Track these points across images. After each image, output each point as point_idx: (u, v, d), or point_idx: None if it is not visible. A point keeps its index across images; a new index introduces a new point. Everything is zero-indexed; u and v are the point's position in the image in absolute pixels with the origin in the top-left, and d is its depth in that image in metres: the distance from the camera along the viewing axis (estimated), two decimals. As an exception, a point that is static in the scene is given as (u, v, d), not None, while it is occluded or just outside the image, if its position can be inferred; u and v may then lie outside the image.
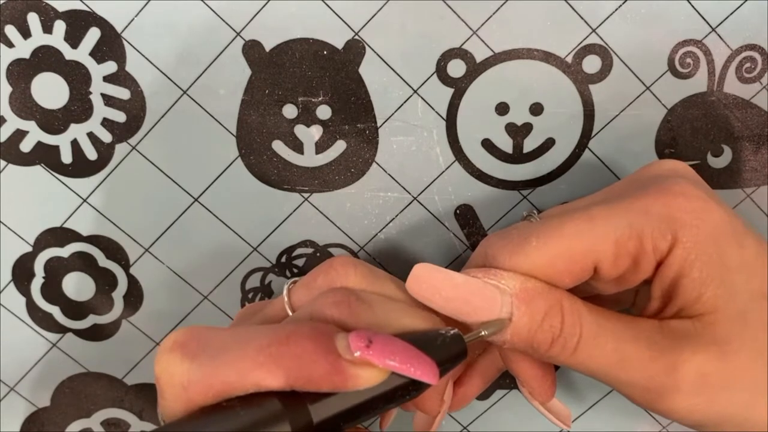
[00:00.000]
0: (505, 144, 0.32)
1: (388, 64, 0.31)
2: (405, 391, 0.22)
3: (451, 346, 0.24)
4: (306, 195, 0.32)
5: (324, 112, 0.31)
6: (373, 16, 0.30)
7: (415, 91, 0.31)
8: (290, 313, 0.27)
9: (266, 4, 0.30)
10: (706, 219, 0.24)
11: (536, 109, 0.31)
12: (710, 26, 0.30)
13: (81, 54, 0.30)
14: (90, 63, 0.30)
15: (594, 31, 0.30)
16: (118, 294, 0.34)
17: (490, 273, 0.25)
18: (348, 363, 0.21)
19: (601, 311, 0.25)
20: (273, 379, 0.21)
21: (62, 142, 0.32)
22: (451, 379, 0.28)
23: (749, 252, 0.25)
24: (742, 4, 0.30)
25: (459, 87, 0.31)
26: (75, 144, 0.32)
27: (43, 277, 0.34)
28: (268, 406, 0.21)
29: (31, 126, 0.31)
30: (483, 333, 0.25)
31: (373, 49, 0.30)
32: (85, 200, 0.33)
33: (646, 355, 0.24)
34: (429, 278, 0.25)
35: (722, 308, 0.24)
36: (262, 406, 0.21)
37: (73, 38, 0.30)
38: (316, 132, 0.32)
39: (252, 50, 0.30)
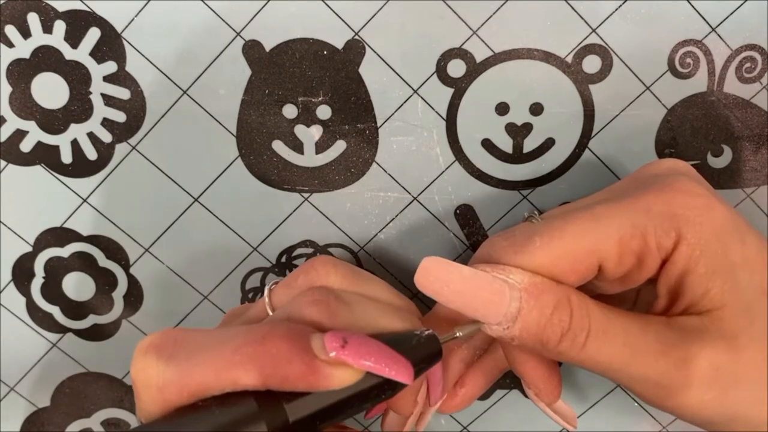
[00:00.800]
0: (505, 144, 0.32)
1: (388, 64, 0.31)
2: (380, 390, 0.23)
3: (426, 346, 0.24)
4: (306, 195, 0.32)
5: (324, 112, 0.31)
6: (373, 16, 0.30)
7: (415, 91, 0.31)
8: (270, 313, 0.27)
9: (266, 4, 0.30)
10: (709, 216, 0.24)
11: (536, 109, 0.31)
12: (710, 26, 0.30)
13: (81, 54, 0.30)
14: (90, 63, 0.30)
15: (594, 31, 0.30)
16: (118, 294, 0.34)
17: (498, 268, 0.25)
18: (323, 363, 0.21)
19: (608, 307, 0.25)
20: (248, 378, 0.21)
21: (62, 142, 0.32)
22: (425, 381, 0.28)
23: (751, 248, 0.25)
24: (742, 4, 0.30)
25: (459, 87, 0.31)
26: (75, 144, 0.32)
27: (43, 277, 0.34)
28: (244, 405, 0.21)
29: (31, 126, 0.31)
30: (458, 334, 0.25)
31: (373, 49, 0.30)
32: (85, 200, 0.33)
33: (657, 350, 0.24)
34: (438, 271, 0.25)
35: (729, 303, 0.24)
36: (238, 405, 0.21)
37: (73, 38, 0.30)
38: (316, 132, 0.32)
39: (252, 50, 0.30)
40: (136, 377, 0.22)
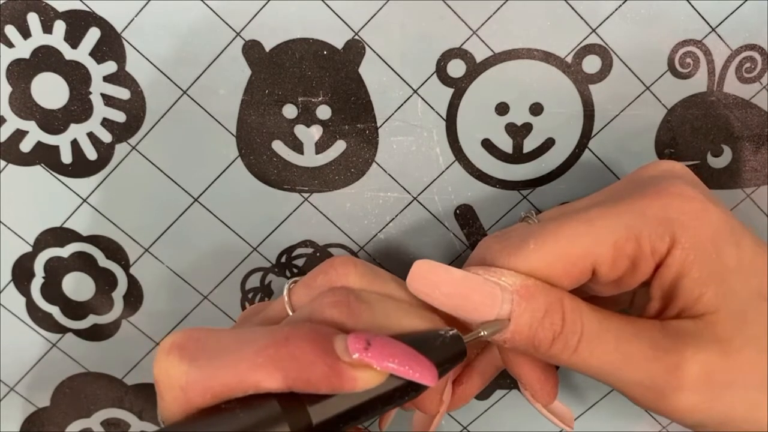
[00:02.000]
0: (505, 144, 0.32)
1: (388, 64, 0.31)
2: (404, 392, 0.22)
3: (450, 346, 0.24)
4: (306, 195, 0.32)
5: (324, 112, 0.31)
6: (373, 16, 0.30)
7: (415, 91, 0.31)
8: (290, 313, 0.26)
9: (266, 4, 0.30)
10: (704, 219, 0.24)
11: (536, 109, 0.31)
12: (710, 26, 0.30)
13: (81, 54, 0.30)
14: (90, 63, 0.30)
15: (594, 31, 0.30)
16: (118, 294, 0.34)
17: (490, 270, 0.25)
18: (346, 365, 0.21)
19: (601, 311, 0.25)
20: (272, 381, 0.21)
21: (62, 142, 0.32)
22: (450, 379, 0.28)
23: (747, 252, 0.25)
24: (742, 4, 0.30)
25: (459, 87, 0.31)
26: (75, 144, 0.32)
27: (43, 277, 0.34)
28: (267, 407, 0.21)
29: (31, 126, 0.31)
30: (482, 333, 0.24)
31: (373, 49, 0.30)
32: (85, 200, 0.33)
33: (649, 354, 0.24)
34: (429, 274, 0.25)
35: (723, 308, 0.24)
36: (261, 407, 0.21)
37: (73, 38, 0.30)
38: (316, 132, 0.32)
39: (252, 50, 0.30)
40: (158, 377, 0.22)
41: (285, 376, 0.21)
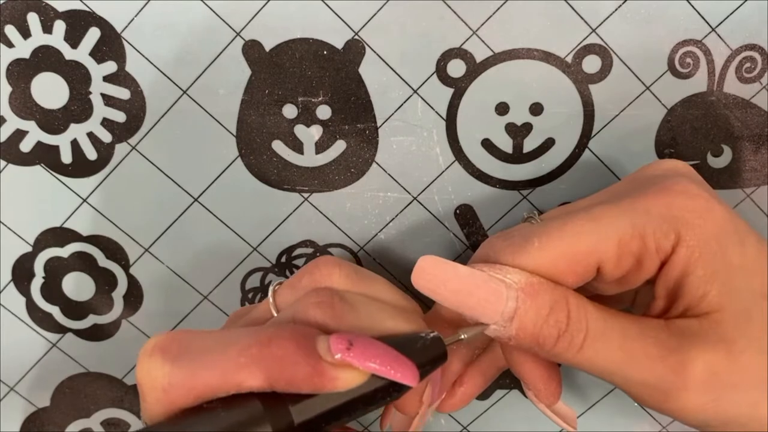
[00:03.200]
0: (505, 144, 0.32)
1: (388, 64, 0.31)
2: (385, 392, 0.23)
3: (431, 348, 0.24)
4: (306, 195, 0.32)
5: (324, 112, 0.31)
6: (373, 16, 0.30)
7: (415, 91, 0.31)
8: (275, 314, 0.27)
9: (266, 4, 0.30)
10: (708, 217, 0.24)
11: (536, 109, 0.31)
12: (710, 26, 0.30)
13: (81, 54, 0.30)
14: (90, 63, 0.30)
15: (594, 31, 0.30)
16: (118, 294, 0.34)
17: (495, 267, 0.25)
18: (329, 365, 0.21)
19: (607, 309, 0.25)
20: (254, 380, 0.21)
21: (62, 142, 0.32)
22: (430, 381, 0.28)
23: (750, 251, 0.25)
24: (742, 4, 0.30)
25: (459, 87, 0.31)
26: (75, 144, 0.32)
27: (43, 277, 0.34)
28: (249, 407, 0.21)
29: (31, 126, 0.31)
30: (462, 336, 0.25)
31: (373, 49, 0.30)
32: (85, 200, 0.33)
33: (654, 353, 0.24)
34: (434, 270, 0.25)
35: (727, 306, 0.24)
36: (243, 407, 0.21)
37: (73, 38, 0.30)
38: (316, 132, 0.32)
39: (252, 50, 0.30)
40: (141, 379, 0.22)
41: (267, 376, 0.21)
